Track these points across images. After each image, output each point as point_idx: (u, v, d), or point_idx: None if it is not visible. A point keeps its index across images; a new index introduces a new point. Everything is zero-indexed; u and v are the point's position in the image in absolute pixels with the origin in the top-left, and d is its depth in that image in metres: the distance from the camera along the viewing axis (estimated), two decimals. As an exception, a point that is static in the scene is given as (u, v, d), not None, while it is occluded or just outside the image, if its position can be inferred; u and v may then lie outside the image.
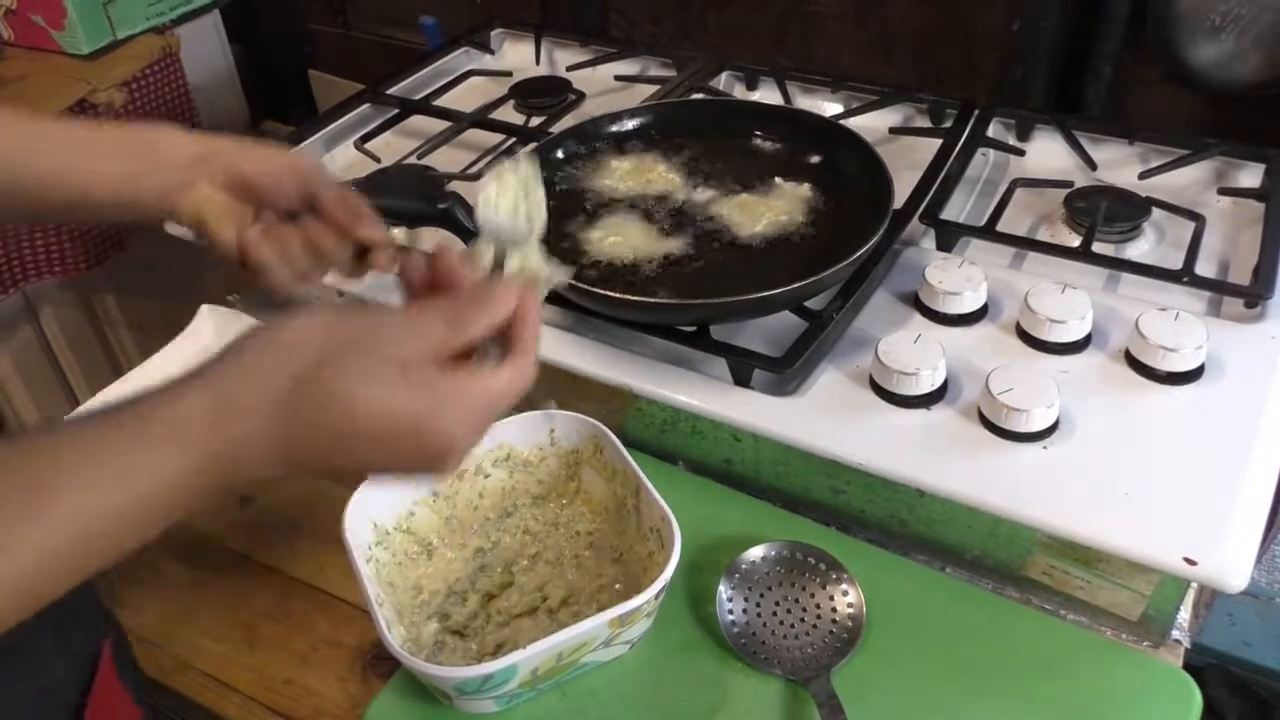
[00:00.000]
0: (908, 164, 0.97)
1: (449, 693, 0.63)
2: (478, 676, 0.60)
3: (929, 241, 0.92)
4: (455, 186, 0.92)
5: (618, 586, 0.70)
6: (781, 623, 0.69)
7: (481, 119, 1.12)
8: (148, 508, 0.44)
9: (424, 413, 0.46)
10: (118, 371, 0.95)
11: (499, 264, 0.59)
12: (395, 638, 0.62)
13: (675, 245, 0.85)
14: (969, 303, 0.81)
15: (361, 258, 0.67)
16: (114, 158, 0.64)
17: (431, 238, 0.93)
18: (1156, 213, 0.92)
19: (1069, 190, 0.95)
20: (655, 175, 0.93)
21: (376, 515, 0.70)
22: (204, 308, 0.99)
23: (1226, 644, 1.30)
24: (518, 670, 0.61)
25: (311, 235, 0.65)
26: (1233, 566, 0.63)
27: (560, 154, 0.95)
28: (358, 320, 0.48)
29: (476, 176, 1.02)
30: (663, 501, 0.67)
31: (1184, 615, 0.70)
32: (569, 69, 1.24)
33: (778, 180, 0.91)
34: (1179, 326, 0.75)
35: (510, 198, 0.60)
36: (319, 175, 0.67)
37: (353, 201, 0.66)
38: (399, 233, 0.71)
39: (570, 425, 0.75)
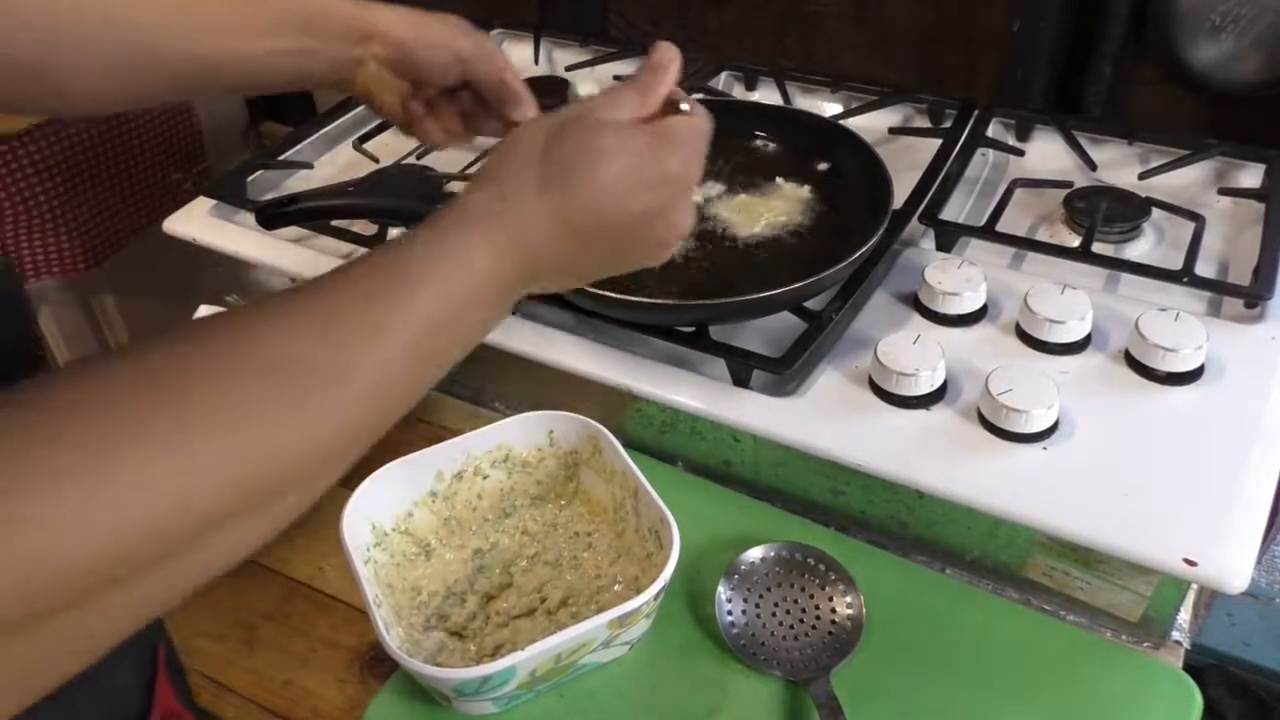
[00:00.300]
0: (907, 164, 0.97)
1: (447, 694, 0.63)
2: (476, 678, 0.60)
3: (928, 242, 0.92)
4: (454, 187, 0.91)
5: (616, 587, 0.70)
6: (781, 624, 0.69)
7: (480, 119, 1.12)
8: (485, 291, 0.49)
9: (656, 144, 0.53)
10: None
11: None
12: (393, 639, 0.62)
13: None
14: (968, 303, 0.81)
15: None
16: (281, 37, 0.66)
17: (430, 238, 0.93)
18: (1156, 213, 0.92)
19: (1069, 190, 0.95)
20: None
21: (374, 516, 0.70)
22: (203, 308, 0.99)
23: (1226, 644, 1.30)
24: (516, 672, 0.60)
25: (468, 109, 0.72)
26: (1233, 567, 0.63)
27: (559, 154, 0.95)
28: (563, 111, 0.55)
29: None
30: (661, 503, 0.67)
31: (1184, 616, 0.70)
32: (568, 69, 1.24)
33: (777, 180, 0.91)
34: (1179, 327, 0.75)
35: None
36: (478, 60, 0.69)
37: (509, 85, 0.71)
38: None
39: (569, 426, 0.75)
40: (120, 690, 0.52)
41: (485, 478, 0.75)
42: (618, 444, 0.72)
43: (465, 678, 0.60)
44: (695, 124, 0.56)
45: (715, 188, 0.91)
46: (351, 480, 0.69)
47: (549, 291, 0.55)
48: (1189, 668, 0.67)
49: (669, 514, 0.66)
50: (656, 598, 0.64)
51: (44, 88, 0.60)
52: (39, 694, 0.34)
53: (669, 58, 0.57)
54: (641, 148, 0.53)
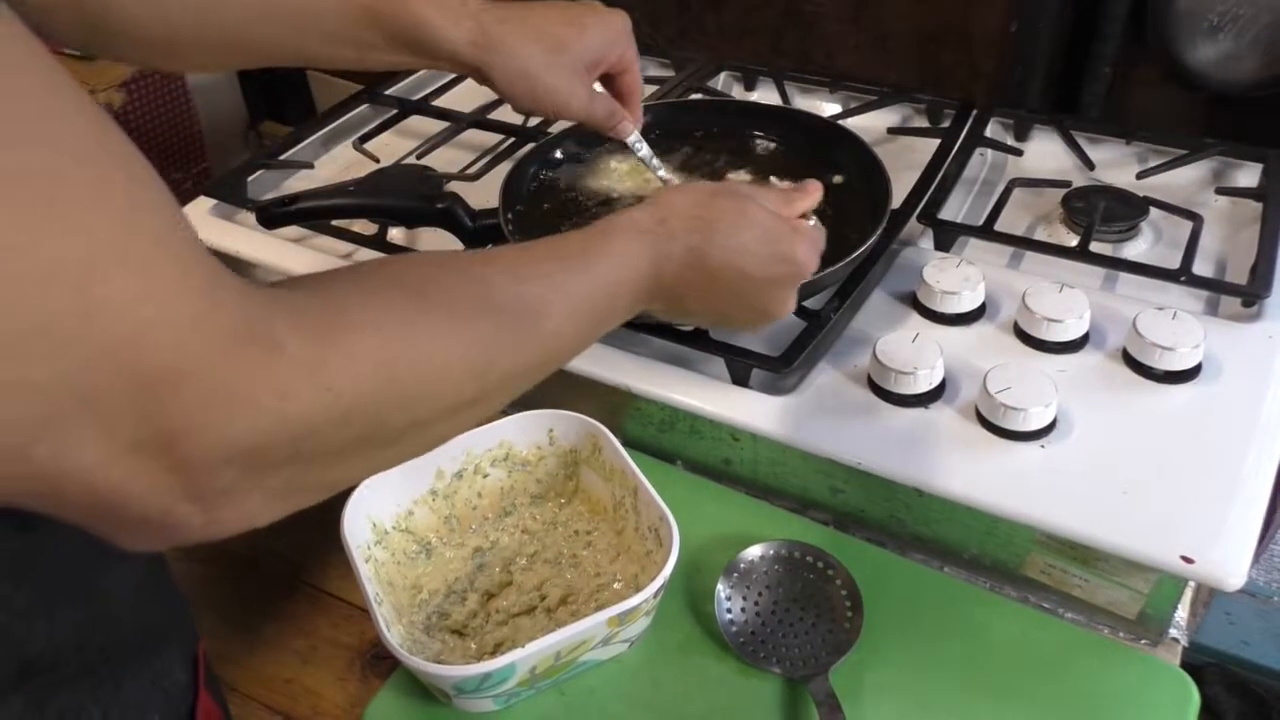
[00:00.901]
0: (906, 164, 0.97)
1: (448, 691, 0.63)
2: (476, 675, 0.60)
3: (927, 241, 0.92)
4: (454, 186, 0.92)
5: (616, 586, 0.71)
6: (780, 621, 0.69)
7: (480, 119, 1.12)
8: (630, 289, 0.57)
9: (790, 232, 0.63)
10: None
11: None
12: (394, 636, 0.62)
13: (674, 245, 0.85)
14: (967, 302, 0.81)
15: None
16: (380, 50, 0.68)
17: (430, 238, 0.93)
18: (1154, 212, 0.93)
19: (1067, 190, 0.96)
20: (654, 175, 0.93)
21: (375, 514, 0.70)
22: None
23: (1225, 643, 1.31)
24: (516, 669, 0.61)
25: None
26: (1230, 565, 0.63)
27: (559, 154, 0.96)
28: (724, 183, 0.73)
29: (475, 176, 1.02)
30: (661, 501, 0.67)
31: (1182, 614, 0.70)
32: (567, 69, 1.24)
33: (776, 180, 0.92)
34: (1176, 326, 0.75)
35: None
36: (588, 114, 0.75)
37: (616, 115, 0.77)
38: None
39: (569, 425, 0.75)
40: (175, 683, 0.53)
41: (485, 476, 0.75)
42: (617, 443, 0.72)
43: (465, 675, 0.60)
44: (820, 234, 0.66)
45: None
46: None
47: (656, 319, 0.62)
48: (1187, 666, 0.67)
49: (668, 512, 0.66)
50: (656, 595, 0.64)
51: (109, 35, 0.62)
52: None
53: (815, 189, 0.68)
54: (780, 229, 0.62)
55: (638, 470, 0.70)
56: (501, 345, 0.48)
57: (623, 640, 0.66)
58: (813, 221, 0.68)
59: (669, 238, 0.58)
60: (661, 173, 0.82)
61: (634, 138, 0.80)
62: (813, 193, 0.67)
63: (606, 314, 0.56)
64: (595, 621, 0.61)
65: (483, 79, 0.71)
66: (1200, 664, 1.28)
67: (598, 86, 0.77)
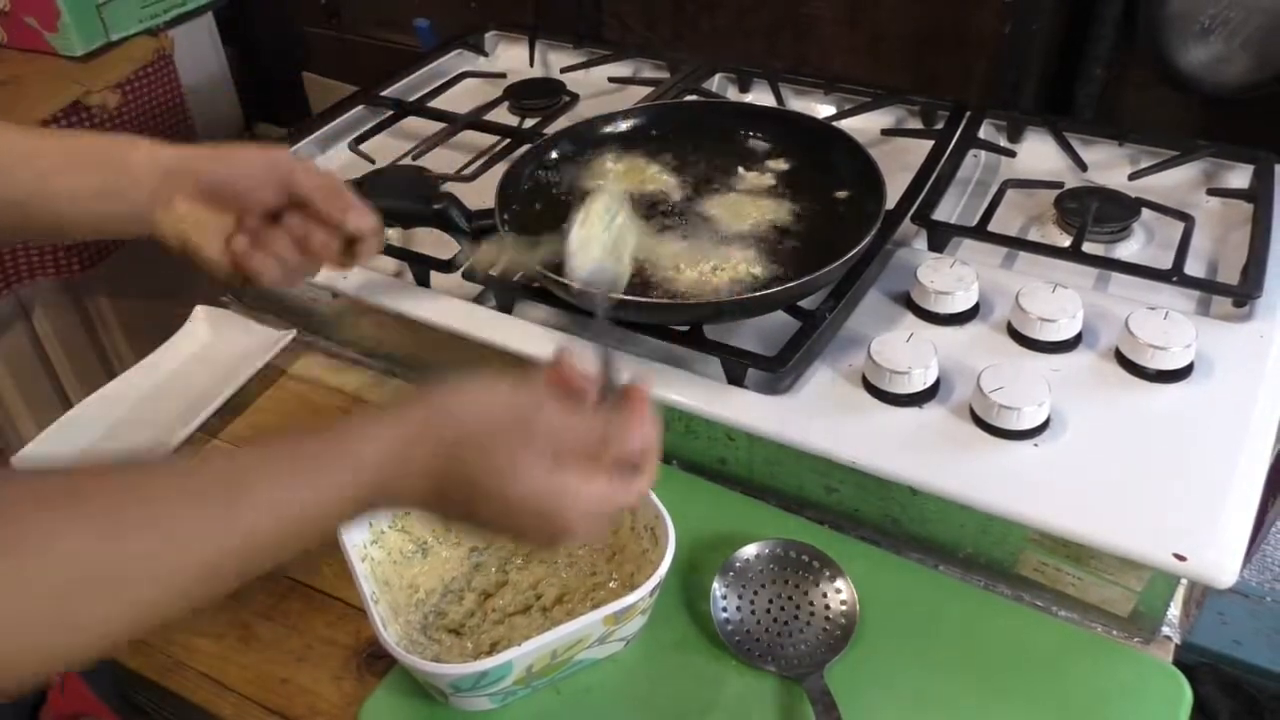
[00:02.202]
0: (900, 165, 0.98)
1: (444, 690, 0.63)
2: (473, 674, 0.60)
3: (921, 242, 0.92)
4: (450, 187, 0.92)
5: (612, 584, 0.71)
6: (775, 620, 0.69)
7: (476, 120, 1.12)
8: (319, 515, 0.50)
9: (557, 507, 0.51)
10: (110, 373, 0.95)
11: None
12: (391, 635, 0.62)
13: (672, 245, 0.85)
14: (960, 302, 0.82)
15: (351, 247, 0.66)
16: (84, 173, 0.63)
17: (427, 238, 0.93)
18: (1146, 213, 0.93)
19: (1060, 191, 0.96)
20: (649, 176, 0.93)
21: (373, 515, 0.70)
22: (199, 308, 1.00)
23: (1218, 643, 1.31)
24: (512, 668, 0.61)
25: (298, 233, 0.65)
26: (1222, 562, 0.64)
27: (555, 155, 0.96)
28: (526, 402, 0.53)
29: (471, 178, 1.02)
30: (657, 500, 0.67)
31: (1174, 612, 0.70)
32: (563, 71, 1.25)
33: (771, 181, 0.92)
34: (1168, 325, 0.76)
35: (600, 239, 0.63)
36: (299, 169, 0.65)
37: (338, 191, 0.66)
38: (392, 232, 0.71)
39: None
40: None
41: None
42: None
43: (462, 673, 0.60)
44: (623, 498, 0.54)
45: (708, 190, 0.92)
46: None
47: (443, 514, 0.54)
48: (1180, 666, 0.68)
49: (664, 511, 0.66)
50: (652, 594, 0.64)
51: None
52: None
53: (638, 420, 0.55)
54: (552, 503, 0.52)
55: None
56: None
57: (619, 639, 0.66)
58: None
59: (393, 477, 0.50)
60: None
61: (369, 229, 0.68)
62: (648, 431, 0.55)
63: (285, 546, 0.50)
64: (591, 620, 0.61)
65: (186, 171, 0.65)
66: (1193, 663, 1.29)
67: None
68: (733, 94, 1.20)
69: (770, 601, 0.70)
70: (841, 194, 0.89)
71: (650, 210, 0.89)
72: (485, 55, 1.32)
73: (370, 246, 0.67)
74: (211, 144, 0.66)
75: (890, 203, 0.86)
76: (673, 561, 0.64)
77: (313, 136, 1.12)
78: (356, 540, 0.68)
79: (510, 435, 0.51)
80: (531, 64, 1.29)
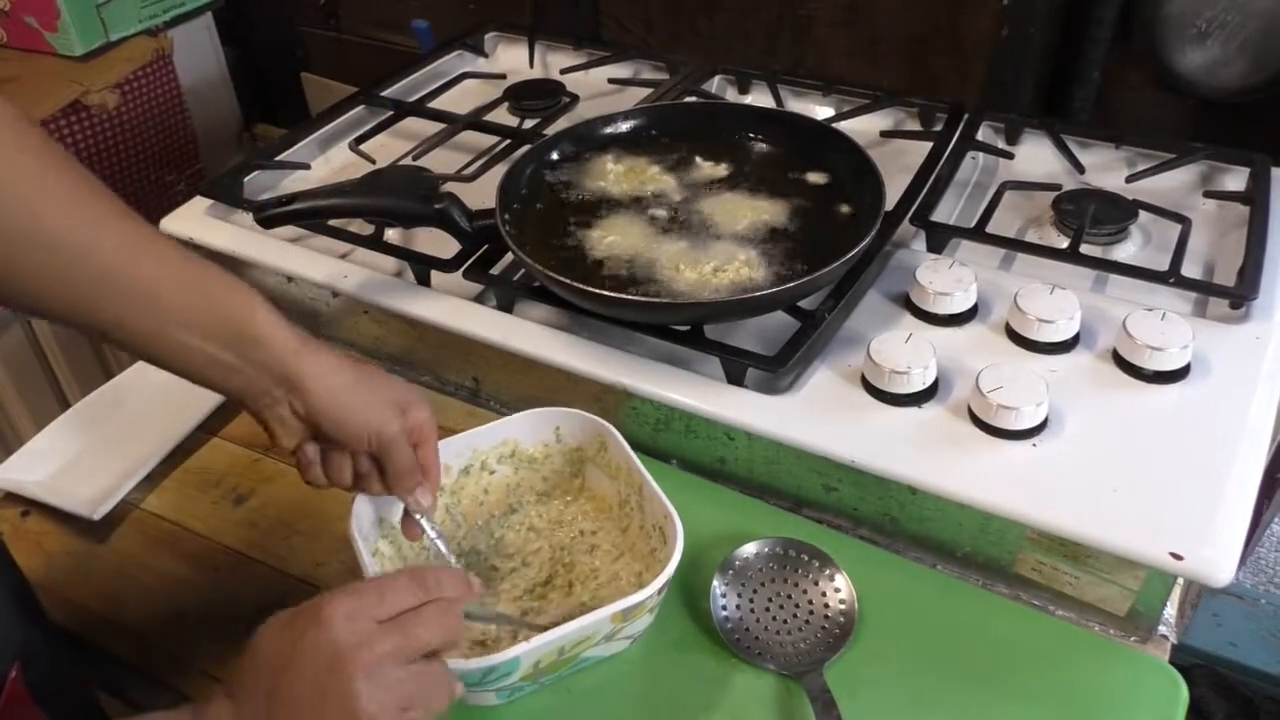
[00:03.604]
0: (898, 167, 0.98)
1: None
2: (480, 669, 0.60)
3: (920, 243, 0.93)
4: (450, 187, 0.92)
5: (620, 583, 0.71)
6: (775, 618, 0.70)
7: (476, 121, 1.13)
8: None
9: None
10: (108, 374, 0.95)
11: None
12: None
13: (672, 245, 0.85)
14: (959, 303, 0.82)
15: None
16: (210, 342, 0.61)
17: (427, 238, 0.94)
18: (1143, 215, 0.94)
19: (1057, 193, 0.96)
20: (649, 177, 0.94)
21: (381, 510, 0.70)
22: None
23: (1213, 645, 1.32)
24: (520, 664, 0.61)
25: (364, 471, 0.67)
26: (1218, 561, 0.64)
27: (555, 156, 0.96)
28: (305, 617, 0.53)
29: (472, 178, 1.03)
30: (665, 498, 0.67)
31: (1170, 611, 0.71)
32: (562, 72, 1.25)
33: (770, 182, 0.92)
34: (1165, 326, 0.76)
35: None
36: (397, 442, 0.65)
37: (420, 458, 0.67)
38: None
39: (575, 423, 0.75)
40: None
41: (492, 473, 0.76)
42: (623, 441, 0.72)
43: (469, 669, 0.60)
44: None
45: (707, 191, 0.92)
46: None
47: None
48: (1176, 667, 0.68)
49: (673, 510, 0.66)
50: (660, 592, 0.64)
51: None
52: None
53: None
54: (292, 613, 0.53)
55: (643, 468, 0.70)
56: None
57: (625, 636, 0.67)
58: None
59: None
60: (445, 552, 0.70)
61: (426, 507, 0.69)
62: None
63: None
64: (599, 617, 0.61)
65: (296, 390, 0.63)
66: (1189, 665, 1.30)
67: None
68: (732, 95, 1.20)
69: (770, 600, 0.71)
70: (840, 195, 0.90)
71: (651, 211, 0.90)
72: (485, 56, 1.32)
73: (412, 529, 0.69)
74: (337, 367, 0.64)
75: (889, 204, 0.87)
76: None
77: (314, 136, 1.12)
78: (367, 535, 0.68)
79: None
80: (531, 65, 1.30)
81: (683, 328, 0.80)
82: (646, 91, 1.18)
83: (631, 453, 0.71)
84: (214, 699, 0.52)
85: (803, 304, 0.81)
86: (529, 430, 0.75)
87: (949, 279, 0.83)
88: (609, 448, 0.74)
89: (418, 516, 0.68)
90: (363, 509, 0.68)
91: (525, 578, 0.72)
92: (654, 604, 0.66)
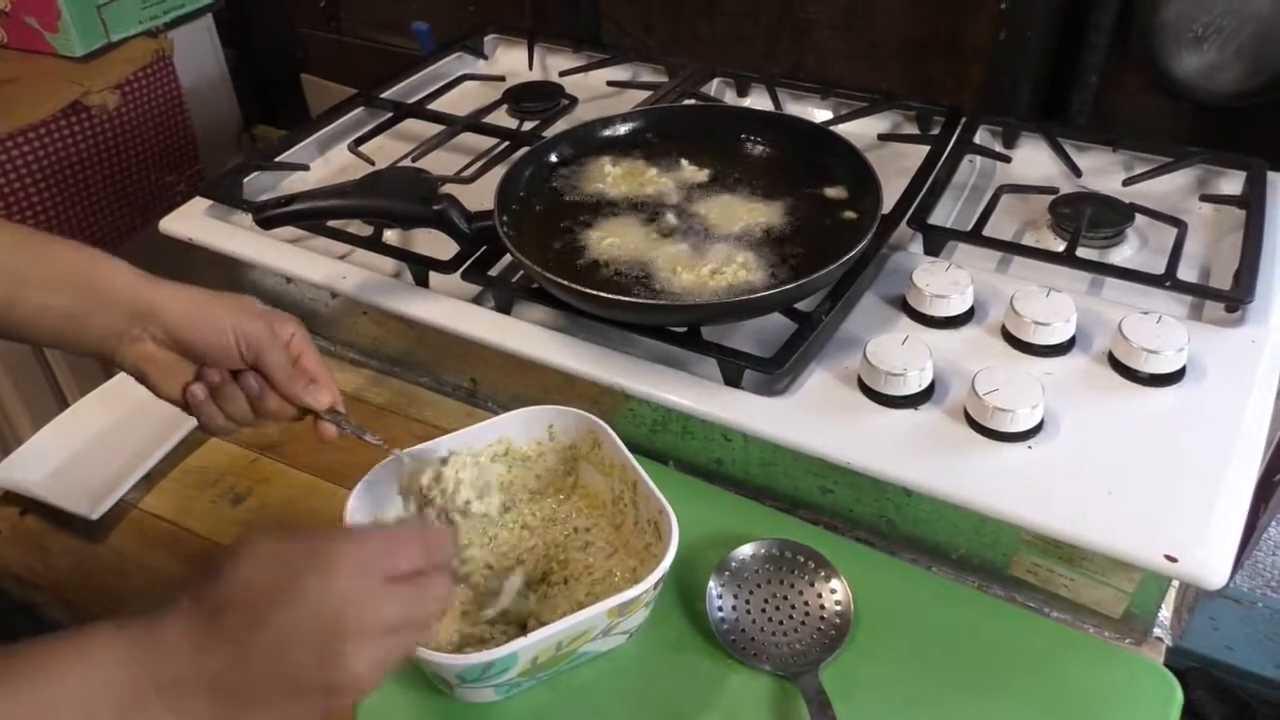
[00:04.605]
0: (896, 170, 0.98)
1: (450, 681, 0.63)
2: (479, 664, 0.60)
3: (916, 246, 0.93)
4: (449, 189, 0.92)
5: (615, 579, 0.71)
6: (770, 619, 0.70)
7: (475, 123, 1.13)
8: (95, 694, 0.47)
9: (345, 629, 0.49)
10: (108, 372, 0.95)
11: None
12: None
13: (670, 247, 0.86)
14: (956, 305, 0.82)
15: (303, 415, 0.68)
16: (54, 294, 0.63)
17: (426, 239, 0.94)
18: (1140, 219, 0.94)
19: (1054, 196, 0.97)
20: (647, 179, 0.94)
21: (377, 508, 0.70)
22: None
23: (1209, 648, 1.32)
24: (518, 659, 0.61)
25: (254, 394, 0.66)
26: (1213, 564, 0.64)
27: (554, 158, 0.96)
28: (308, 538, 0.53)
29: (471, 179, 1.03)
30: (660, 494, 0.68)
31: (1166, 614, 0.71)
32: (562, 74, 1.25)
33: (768, 184, 0.93)
34: (1161, 330, 0.76)
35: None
36: (266, 344, 0.65)
37: (304, 367, 0.67)
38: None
39: (569, 421, 0.76)
40: None
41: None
42: (616, 438, 0.73)
43: (468, 664, 0.60)
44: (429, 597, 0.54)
45: (706, 193, 0.93)
46: (339, 464, 0.70)
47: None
48: (1172, 670, 0.68)
49: (668, 505, 0.67)
50: (656, 587, 0.64)
51: None
52: None
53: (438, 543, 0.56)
54: (294, 548, 0.51)
55: (638, 465, 0.70)
56: None
57: (622, 631, 0.67)
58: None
59: (152, 618, 0.49)
60: (369, 438, 0.70)
61: (327, 404, 0.68)
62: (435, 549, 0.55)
63: None
64: (596, 612, 0.61)
65: (149, 315, 0.64)
66: (1184, 668, 1.30)
67: None
68: (730, 98, 1.21)
69: (765, 601, 0.71)
70: (838, 198, 0.90)
71: (649, 213, 0.90)
72: (484, 58, 1.32)
73: (326, 429, 0.68)
74: (188, 289, 0.65)
75: (886, 207, 0.87)
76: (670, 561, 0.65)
77: (313, 137, 1.12)
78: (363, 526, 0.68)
79: (284, 562, 0.50)
80: (530, 67, 1.30)
81: (680, 329, 0.80)
82: (645, 94, 1.18)
83: (625, 449, 0.72)
84: (169, 612, 0.49)
85: (800, 306, 0.81)
86: (522, 428, 0.76)
87: (945, 281, 0.83)
88: (602, 445, 0.74)
89: (327, 418, 0.68)
90: (358, 508, 0.69)
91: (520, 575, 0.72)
92: (650, 599, 0.66)
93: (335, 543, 0.51)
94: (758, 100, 1.19)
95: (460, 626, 0.69)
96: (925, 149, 1.02)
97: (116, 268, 0.65)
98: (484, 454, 0.75)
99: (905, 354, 0.76)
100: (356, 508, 0.68)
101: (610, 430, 0.73)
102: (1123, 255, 0.93)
